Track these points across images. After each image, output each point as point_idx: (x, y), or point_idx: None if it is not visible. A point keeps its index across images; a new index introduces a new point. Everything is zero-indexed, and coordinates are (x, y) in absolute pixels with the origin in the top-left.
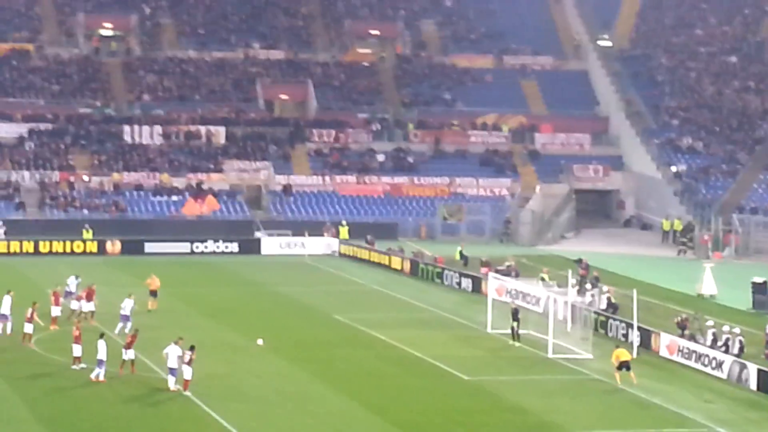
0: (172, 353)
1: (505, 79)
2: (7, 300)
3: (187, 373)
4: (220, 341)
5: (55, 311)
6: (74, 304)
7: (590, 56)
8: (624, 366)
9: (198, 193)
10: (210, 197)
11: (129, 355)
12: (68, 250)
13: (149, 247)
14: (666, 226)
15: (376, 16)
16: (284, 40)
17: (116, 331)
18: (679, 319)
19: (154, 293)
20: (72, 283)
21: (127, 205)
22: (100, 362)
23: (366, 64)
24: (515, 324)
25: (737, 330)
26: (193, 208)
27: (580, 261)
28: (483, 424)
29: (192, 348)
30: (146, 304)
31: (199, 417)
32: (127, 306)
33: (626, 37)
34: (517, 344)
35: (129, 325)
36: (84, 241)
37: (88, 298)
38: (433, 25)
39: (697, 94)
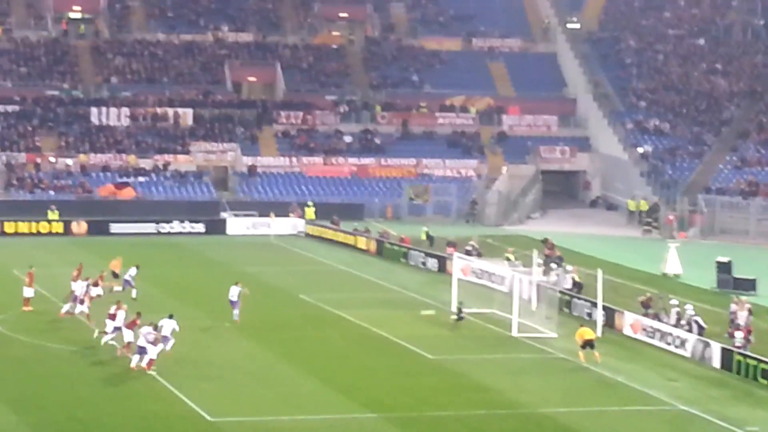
0: (144, 332)
1: (473, 61)
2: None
3: (152, 352)
4: (187, 321)
5: (28, 292)
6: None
7: (558, 38)
8: (588, 344)
9: (120, 184)
10: (129, 189)
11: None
12: (34, 230)
13: (115, 227)
14: (632, 206)
15: None
16: (253, 22)
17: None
18: (644, 298)
19: (116, 275)
20: (132, 273)
21: (94, 187)
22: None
23: (334, 46)
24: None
25: (693, 311)
26: (108, 191)
27: (545, 241)
28: (448, 402)
29: (155, 327)
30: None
31: (165, 396)
32: (234, 292)
33: (595, 20)
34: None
35: (236, 312)
36: (50, 222)
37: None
38: (402, 8)
39: (664, 76)
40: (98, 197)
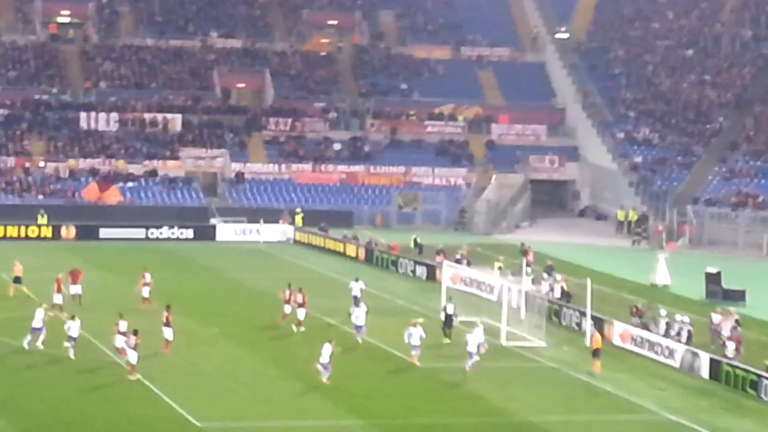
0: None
1: (462, 69)
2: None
3: (132, 357)
4: (175, 327)
5: (57, 299)
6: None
7: (547, 48)
8: (594, 353)
9: (104, 180)
10: (114, 188)
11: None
12: (23, 235)
13: (104, 232)
14: (621, 216)
15: (335, 6)
16: (242, 28)
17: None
18: (633, 308)
19: (17, 280)
20: (355, 287)
21: (78, 190)
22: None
23: (323, 53)
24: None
25: (687, 319)
26: (92, 193)
27: (522, 246)
28: (436, 410)
29: (135, 332)
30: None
31: (152, 401)
32: (356, 287)
33: (584, 30)
34: (447, 341)
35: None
36: (39, 227)
37: (74, 281)
38: (391, 16)
39: (653, 86)
40: (87, 201)
